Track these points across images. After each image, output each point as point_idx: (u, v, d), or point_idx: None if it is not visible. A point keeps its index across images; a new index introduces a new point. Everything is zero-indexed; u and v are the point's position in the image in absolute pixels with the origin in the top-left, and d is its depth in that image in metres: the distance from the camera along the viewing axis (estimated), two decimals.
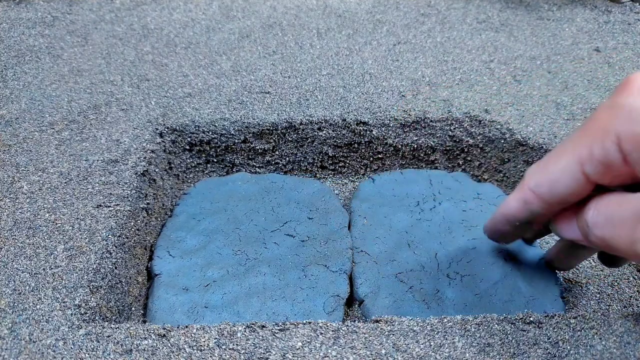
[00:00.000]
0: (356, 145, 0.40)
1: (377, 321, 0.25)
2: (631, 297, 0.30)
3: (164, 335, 0.24)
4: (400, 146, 0.40)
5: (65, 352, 0.23)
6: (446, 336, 0.24)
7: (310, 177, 0.41)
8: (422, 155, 0.41)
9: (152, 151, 0.37)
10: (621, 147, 0.19)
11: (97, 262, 0.28)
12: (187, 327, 0.24)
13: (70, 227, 0.30)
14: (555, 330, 0.24)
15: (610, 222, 0.21)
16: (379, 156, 0.41)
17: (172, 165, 0.39)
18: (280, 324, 0.25)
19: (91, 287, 0.27)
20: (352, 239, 0.34)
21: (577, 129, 0.22)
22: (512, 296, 0.29)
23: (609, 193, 0.21)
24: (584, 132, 0.21)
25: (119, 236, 0.30)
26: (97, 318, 0.26)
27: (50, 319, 0.25)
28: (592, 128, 0.21)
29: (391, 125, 0.39)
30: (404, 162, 0.41)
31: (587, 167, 0.21)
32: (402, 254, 0.32)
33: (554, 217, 0.24)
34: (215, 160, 0.40)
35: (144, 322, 0.30)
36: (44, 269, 0.27)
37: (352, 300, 0.31)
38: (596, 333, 0.24)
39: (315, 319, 0.25)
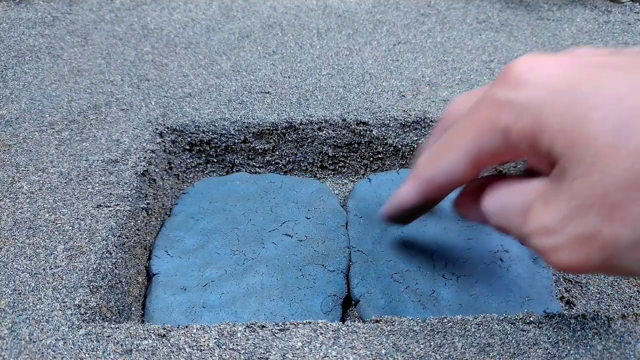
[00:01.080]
0: (356, 145, 0.40)
1: (377, 321, 0.25)
2: (631, 297, 0.30)
3: (164, 335, 0.24)
4: (400, 146, 0.40)
5: (65, 352, 0.23)
6: (446, 336, 0.24)
7: (310, 177, 0.41)
8: None
9: (152, 151, 0.37)
10: (509, 139, 0.20)
11: (97, 262, 0.28)
12: (187, 327, 0.24)
13: (70, 227, 0.30)
14: (555, 330, 0.24)
15: (504, 212, 0.21)
16: (379, 156, 0.41)
17: (172, 165, 0.39)
18: (280, 324, 0.25)
19: (91, 287, 0.27)
20: (349, 238, 0.34)
21: (462, 120, 0.22)
22: (508, 296, 0.29)
23: (502, 180, 0.22)
24: (470, 124, 0.21)
25: (119, 236, 0.30)
26: (97, 318, 0.26)
27: (50, 319, 0.25)
28: (478, 121, 0.21)
29: (391, 125, 0.39)
30: (404, 162, 0.41)
31: (477, 158, 0.21)
32: (398, 254, 0.32)
33: (456, 202, 0.25)
34: (215, 160, 0.40)
35: (142, 321, 0.30)
36: (44, 269, 0.27)
37: (349, 300, 0.31)
38: (596, 333, 0.24)
39: (314, 319, 0.25)
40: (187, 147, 0.39)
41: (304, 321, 0.25)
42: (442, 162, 0.23)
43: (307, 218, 0.35)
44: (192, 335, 0.24)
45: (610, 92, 0.17)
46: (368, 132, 0.39)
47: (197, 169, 0.40)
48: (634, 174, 0.16)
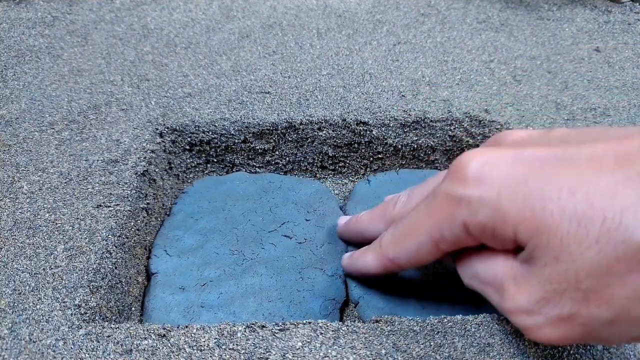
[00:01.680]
0: (356, 145, 0.40)
1: (377, 321, 0.25)
2: None
3: (164, 335, 0.24)
4: (400, 146, 0.40)
5: (65, 352, 0.23)
6: (446, 336, 0.24)
7: (310, 177, 0.41)
8: (422, 155, 0.41)
9: (152, 151, 0.37)
10: (468, 231, 0.21)
11: (97, 262, 0.28)
12: (187, 327, 0.24)
13: (70, 227, 0.30)
14: None
15: (476, 280, 0.23)
16: (379, 156, 0.41)
17: (172, 165, 0.39)
18: (280, 324, 0.25)
19: (91, 287, 0.27)
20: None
21: (420, 209, 0.24)
22: None
23: (473, 253, 0.23)
24: (431, 215, 0.23)
25: (119, 236, 0.30)
26: (97, 318, 0.26)
27: (50, 319, 0.25)
28: (436, 214, 0.22)
29: (391, 125, 0.39)
30: (404, 162, 0.41)
31: (440, 245, 0.23)
32: None
33: (455, 261, 0.25)
34: (215, 160, 0.40)
35: (141, 321, 0.30)
36: (44, 269, 0.27)
37: (347, 304, 0.31)
38: None
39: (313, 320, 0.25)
40: (187, 147, 0.39)
41: (304, 321, 0.25)
42: (405, 247, 0.25)
43: (307, 220, 0.35)
44: (192, 335, 0.24)
45: (561, 185, 0.18)
46: (368, 132, 0.39)
47: (197, 169, 0.41)
48: (600, 262, 0.17)
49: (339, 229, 0.33)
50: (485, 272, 0.22)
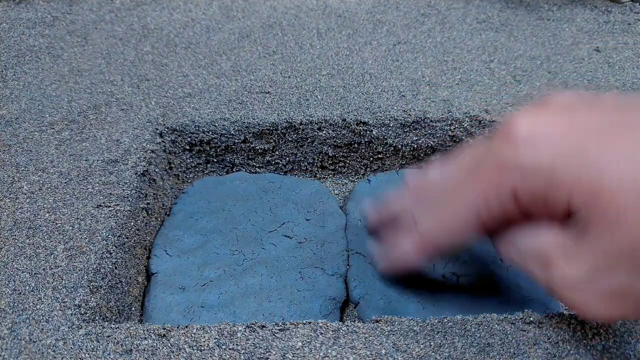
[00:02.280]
0: (356, 145, 0.40)
1: (377, 321, 0.25)
2: None
3: (164, 335, 0.24)
4: (400, 146, 0.40)
5: (65, 352, 0.23)
6: (446, 336, 0.24)
7: (310, 177, 0.41)
8: (422, 155, 0.41)
9: (152, 151, 0.37)
10: (518, 200, 0.20)
11: (97, 262, 0.28)
12: (187, 327, 0.24)
13: (70, 227, 0.30)
14: (555, 330, 0.24)
15: (521, 258, 0.22)
16: (379, 156, 0.41)
17: (172, 165, 0.39)
18: (280, 324, 0.25)
19: (91, 287, 0.27)
20: (348, 241, 0.34)
21: (462, 181, 0.23)
22: (508, 296, 0.29)
23: (516, 228, 0.22)
24: (477, 183, 0.21)
25: (119, 236, 0.30)
26: (97, 318, 0.26)
27: (50, 319, 0.25)
28: (485, 181, 0.21)
29: (391, 125, 0.39)
30: (404, 162, 0.41)
31: (484, 217, 0.22)
32: None
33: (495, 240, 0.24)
34: (215, 160, 0.40)
35: (141, 321, 0.30)
36: (43, 269, 0.27)
37: (347, 304, 0.31)
38: (596, 333, 0.24)
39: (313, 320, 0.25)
40: (187, 147, 0.39)
41: (304, 321, 0.25)
42: (447, 226, 0.23)
43: (307, 220, 0.35)
44: (192, 335, 0.24)
45: (619, 152, 0.17)
46: (368, 132, 0.39)
47: (197, 169, 0.40)
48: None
49: (382, 268, 0.31)
50: (529, 246, 0.21)
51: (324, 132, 0.39)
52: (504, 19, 0.56)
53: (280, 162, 0.41)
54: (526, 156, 0.19)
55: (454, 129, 0.39)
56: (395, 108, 0.40)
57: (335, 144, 0.40)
